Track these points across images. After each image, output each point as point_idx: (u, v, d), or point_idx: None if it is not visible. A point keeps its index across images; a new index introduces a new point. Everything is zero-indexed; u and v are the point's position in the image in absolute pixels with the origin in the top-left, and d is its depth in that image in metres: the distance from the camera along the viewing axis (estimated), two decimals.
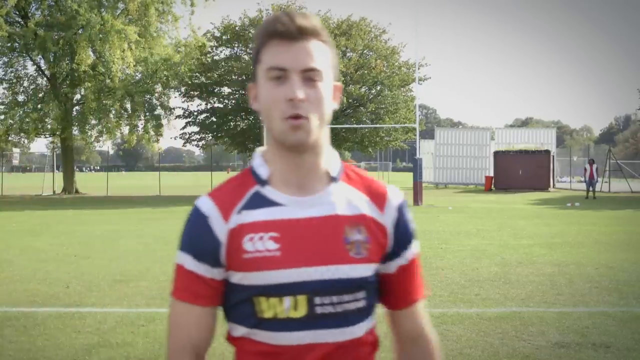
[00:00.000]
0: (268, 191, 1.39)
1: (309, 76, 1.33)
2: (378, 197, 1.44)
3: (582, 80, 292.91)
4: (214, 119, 35.38)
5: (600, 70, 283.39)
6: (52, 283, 8.05)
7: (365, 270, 1.39)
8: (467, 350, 5.13)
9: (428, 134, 55.65)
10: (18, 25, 32.12)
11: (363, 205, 1.42)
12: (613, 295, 7.23)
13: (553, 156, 36.18)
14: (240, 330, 1.41)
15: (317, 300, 1.35)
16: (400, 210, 1.46)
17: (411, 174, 25.91)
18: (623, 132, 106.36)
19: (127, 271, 8.90)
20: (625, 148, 78.77)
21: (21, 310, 6.58)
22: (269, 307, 1.35)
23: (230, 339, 1.45)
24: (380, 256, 1.43)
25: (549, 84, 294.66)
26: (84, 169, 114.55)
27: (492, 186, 35.10)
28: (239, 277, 1.37)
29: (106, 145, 53.16)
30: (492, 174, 36.06)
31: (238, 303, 1.39)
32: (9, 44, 31.51)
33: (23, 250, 11.09)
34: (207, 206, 1.39)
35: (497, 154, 35.63)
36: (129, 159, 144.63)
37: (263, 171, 1.41)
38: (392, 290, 1.49)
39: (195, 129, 36.08)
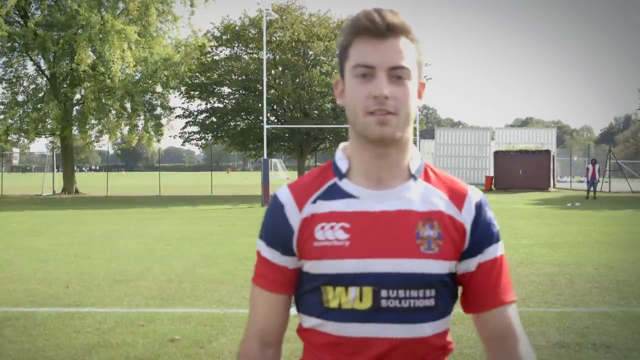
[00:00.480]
0: (345, 184, 1.41)
1: (396, 74, 1.33)
2: (457, 196, 1.42)
3: (582, 80, 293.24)
4: (214, 119, 35.41)
5: (600, 70, 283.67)
6: (52, 283, 8.05)
7: (435, 266, 1.37)
8: (467, 351, 5.12)
9: (428, 134, 55.69)
10: (18, 25, 32.15)
11: (440, 202, 1.40)
12: (613, 295, 7.22)
13: (553, 156, 36.20)
14: (308, 321, 1.42)
15: (383, 293, 1.34)
16: (480, 209, 1.43)
17: None
18: (623, 132, 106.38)
19: (127, 271, 8.89)
20: (626, 148, 78.79)
21: (21, 310, 6.58)
22: (334, 297, 1.36)
23: (300, 331, 1.46)
24: (455, 255, 1.39)
25: (549, 84, 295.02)
26: (83, 168, 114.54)
27: (493, 186, 35.10)
28: (309, 266, 1.39)
29: (106, 145, 53.13)
30: (492, 174, 36.07)
31: (307, 292, 1.41)
32: (9, 44, 31.56)
33: (23, 250, 11.09)
34: (284, 195, 1.43)
35: (497, 154, 35.64)
36: (129, 158, 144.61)
37: (342, 164, 1.43)
38: (474, 290, 1.43)
39: (196, 128, 36.14)
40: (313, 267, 1.38)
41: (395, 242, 1.35)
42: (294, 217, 1.40)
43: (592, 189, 27.80)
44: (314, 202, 1.40)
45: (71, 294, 7.43)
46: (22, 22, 32.21)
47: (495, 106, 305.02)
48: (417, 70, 1.38)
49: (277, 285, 1.43)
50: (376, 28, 1.32)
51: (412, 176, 1.41)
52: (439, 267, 1.37)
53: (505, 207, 22.13)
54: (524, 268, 8.98)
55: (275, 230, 1.42)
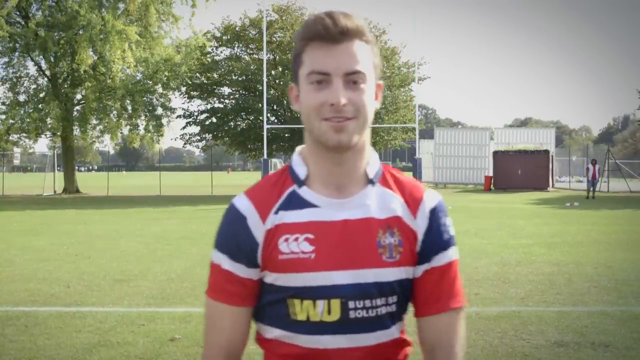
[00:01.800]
0: (304, 192, 1.38)
1: (352, 79, 1.30)
2: (413, 202, 1.41)
3: (581, 80, 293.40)
4: (214, 120, 35.41)
5: (600, 70, 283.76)
6: (52, 282, 8.07)
7: (397, 274, 1.37)
8: (467, 350, 5.14)
9: (427, 134, 55.69)
10: (19, 25, 32.18)
11: (398, 208, 1.39)
12: (612, 294, 7.24)
13: (552, 156, 36.22)
14: (272, 332, 1.40)
15: (351, 304, 1.34)
16: (433, 215, 1.42)
17: (411, 173, 25.95)
18: (622, 132, 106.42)
19: (128, 271, 8.91)
20: (624, 148, 78.73)
21: (22, 310, 6.60)
22: (301, 310, 1.35)
23: (261, 340, 1.44)
24: (413, 260, 1.40)
25: (548, 84, 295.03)
26: (81, 169, 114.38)
27: (492, 186, 35.12)
28: (273, 278, 1.36)
29: (107, 145, 53.04)
30: (491, 174, 36.09)
31: (271, 304, 1.39)
32: (10, 44, 31.57)
33: (24, 250, 11.10)
34: (244, 206, 1.38)
35: (496, 153, 35.66)
36: (129, 158, 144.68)
37: (301, 171, 1.40)
38: (418, 295, 1.43)
39: (196, 129, 36.14)
40: (278, 279, 1.35)
41: (358, 252, 1.34)
42: (258, 230, 1.36)
43: (592, 189, 27.81)
44: (276, 212, 1.36)
45: (72, 293, 7.45)
46: (23, 23, 32.24)
47: (494, 106, 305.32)
48: (373, 72, 1.35)
49: (241, 298, 1.38)
50: (329, 34, 1.29)
51: (370, 181, 1.39)
52: (400, 273, 1.38)
53: (505, 206, 22.15)
54: (523, 267, 9.00)
55: (239, 244, 1.37)
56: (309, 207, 1.36)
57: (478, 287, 7.58)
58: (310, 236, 1.34)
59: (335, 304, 1.34)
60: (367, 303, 1.35)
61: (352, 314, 1.34)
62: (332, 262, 1.33)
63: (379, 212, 1.38)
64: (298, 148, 1.46)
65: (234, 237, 1.37)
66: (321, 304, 1.34)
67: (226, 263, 1.38)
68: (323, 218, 1.35)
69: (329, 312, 1.34)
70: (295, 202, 1.37)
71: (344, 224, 1.35)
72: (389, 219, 1.38)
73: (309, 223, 1.35)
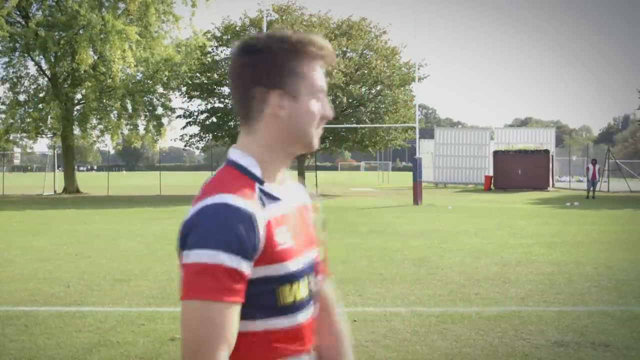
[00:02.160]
0: (268, 188, 1.51)
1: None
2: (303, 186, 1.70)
3: (582, 80, 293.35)
4: (214, 119, 35.41)
5: (600, 70, 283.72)
6: (53, 282, 8.07)
7: None
8: (467, 349, 5.15)
9: (428, 134, 55.71)
10: (19, 25, 32.18)
11: (305, 193, 1.68)
12: (612, 294, 7.25)
13: (552, 156, 36.24)
14: (250, 325, 1.42)
15: (311, 279, 1.55)
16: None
17: (411, 173, 25.95)
18: (622, 132, 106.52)
19: (128, 270, 8.92)
20: (625, 148, 78.79)
21: (22, 310, 6.61)
22: (290, 293, 1.47)
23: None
24: None
25: (548, 84, 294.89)
26: (82, 168, 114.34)
27: (492, 186, 35.14)
28: (262, 271, 1.42)
29: (108, 145, 52.98)
30: (491, 174, 36.10)
31: (256, 296, 1.41)
32: (10, 44, 31.57)
33: (24, 250, 11.11)
34: (243, 204, 1.40)
35: (496, 153, 35.68)
36: (130, 158, 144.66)
37: (257, 170, 1.51)
38: None
39: (196, 129, 36.11)
40: (270, 270, 1.42)
41: (310, 234, 1.60)
42: (262, 226, 1.41)
43: (592, 188, 27.82)
44: (264, 208, 1.45)
45: (72, 293, 7.46)
46: (23, 23, 32.23)
47: (494, 106, 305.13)
48: None
49: (243, 293, 1.39)
50: (332, 59, 1.54)
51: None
52: None
53: (505, 206, 22.16)
54: (523, 267, 9.00)
55: (249, 242, 1.38)
56: (276, 201, 1.51)
57: (478, 287, 7.58)
58: (287, 226, 1.50)
59: (305, 281, 1.52)
60: (314, 277, 1.58)
61: (312, 288, 1.56)
62: (302, 246, 1.53)
63: (304, 197, 1.66)
64: (242, 149, 1.53)
65: (246, 236, 1.38)
66: (303, 283, 1.50)
67: (234, 262, 1.35)
68: (287, 209, 1.53)
69: (306, 289, 1.52)
70: (267, 198, 1.49)
71: (297, 211, 1.57)
72: (309, 202, 1.68)
73: (283, 215, 1.51)
